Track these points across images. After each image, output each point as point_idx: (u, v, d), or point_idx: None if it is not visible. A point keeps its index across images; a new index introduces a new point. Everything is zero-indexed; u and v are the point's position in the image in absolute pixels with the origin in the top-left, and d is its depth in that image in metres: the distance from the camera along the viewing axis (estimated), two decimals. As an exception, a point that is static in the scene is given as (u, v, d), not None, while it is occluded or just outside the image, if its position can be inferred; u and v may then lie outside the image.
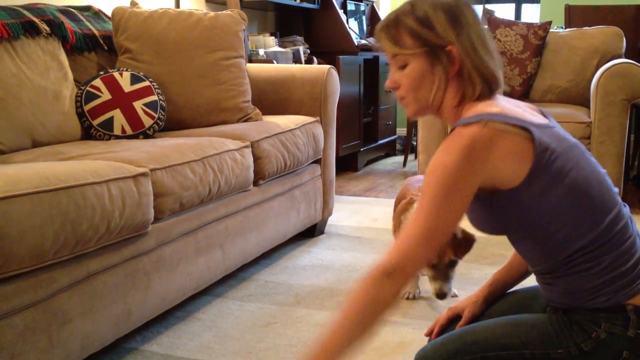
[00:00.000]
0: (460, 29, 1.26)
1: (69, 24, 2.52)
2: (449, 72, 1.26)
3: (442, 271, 2.00)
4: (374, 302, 1.15)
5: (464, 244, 2.03)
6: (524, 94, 3.95)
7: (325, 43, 4.74)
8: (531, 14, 6.10)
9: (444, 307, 2.17)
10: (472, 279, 2.44)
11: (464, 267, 2.57)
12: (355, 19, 5.37)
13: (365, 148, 4.93)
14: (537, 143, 1.19)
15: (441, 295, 1.99)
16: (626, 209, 1.27)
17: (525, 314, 1.35)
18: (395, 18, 1.27)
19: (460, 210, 1.18)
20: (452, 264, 2.03)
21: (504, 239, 1.32)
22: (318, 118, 2.94)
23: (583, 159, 1.24)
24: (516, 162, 1.19)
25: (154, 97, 2.49)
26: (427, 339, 1.55)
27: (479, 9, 5.73)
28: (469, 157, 1.16)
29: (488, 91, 1.27)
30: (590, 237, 1.20)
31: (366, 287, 1.15)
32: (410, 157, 5.15)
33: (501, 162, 1.18)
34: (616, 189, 1.28)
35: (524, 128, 1.18)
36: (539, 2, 5.83)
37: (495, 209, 1.23)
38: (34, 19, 2.34)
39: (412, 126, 4.96)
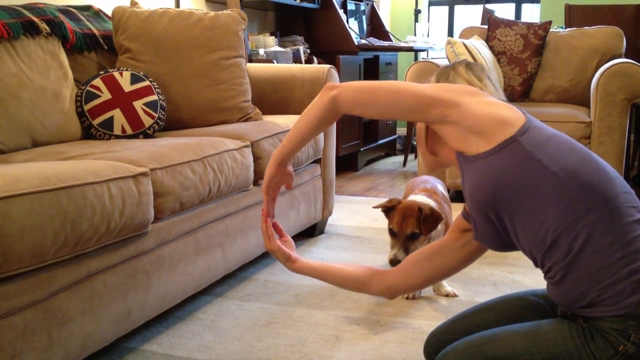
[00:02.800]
0: None
1: (69, 23, 2.52)
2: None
3: (402, 241, 2.15)
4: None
5: (430, 219, 2.13)
6: (524, 93, 3.95)
7: (326, 43, 4.74)
8: (531, 14, 6.10)
9: (444, 307, 2.17)
10: (471, 278, 2.44)
11: (464, 267, 2.57)
12: (356, 19, 5.37)
13: (365, 148, 4.93)
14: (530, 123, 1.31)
15: (394, 262, 2.09)
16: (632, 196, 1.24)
17: (544, 321, 1.30)
18: None
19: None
20: (413, 236, 2.15)
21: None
22: (318, 118, 2.94)
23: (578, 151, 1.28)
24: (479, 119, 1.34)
25: (154, 97, 2.49)
26: (425, 338, 1.55)
27: (479, 8, 5.74)
28: None
29: None
30: (590, 185, 1.19)
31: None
32: (410, 156, 5.15)
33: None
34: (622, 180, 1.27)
35: None
36: (539, 2, 5.83)
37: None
38: (34, 18, 2.34)
39: (412, 126, 4.96)
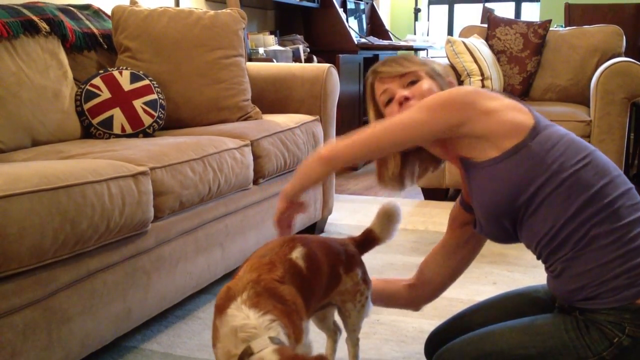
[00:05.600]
0: None
1: (68, 22, 2.52)
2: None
3: None
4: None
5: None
6: (523, 92, 3.95)
7: (325, 42, 4.74)
8: (531, 13, 6.10)
9: (444, 307, 2.17)
10: (471, 277, 2.44)
11: (463, 266, 2.57)
12: (355, 18, 5.37)
13: (365, 147, 4.92)
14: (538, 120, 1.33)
15: None
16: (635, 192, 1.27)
17: (540, 315, 1.32)
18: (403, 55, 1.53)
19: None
20: None
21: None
22: (318, 117, 2.94)
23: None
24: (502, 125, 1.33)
25: (154, 96, 2.49)
26: (425, 337, 1.55)
27: (479, 7, 5.73)
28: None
29: None
30: (596, 188, 1.21)
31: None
32: (410, 155, 5.14)
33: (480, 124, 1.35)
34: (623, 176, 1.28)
35: None
36: (539, 1, 5.83)
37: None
38: (34, 17, 2.34)
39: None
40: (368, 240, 1.66)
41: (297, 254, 1.36)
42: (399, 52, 5.78)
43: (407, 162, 1.51)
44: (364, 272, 1.56)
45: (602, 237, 1.19)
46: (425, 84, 1.44)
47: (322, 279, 1.42)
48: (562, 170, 1.22)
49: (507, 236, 1.35)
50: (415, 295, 1.64)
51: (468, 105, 1.28)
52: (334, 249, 1.52)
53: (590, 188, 1.21)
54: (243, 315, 1.15)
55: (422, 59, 1.52)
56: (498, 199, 1.28)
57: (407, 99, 1.42)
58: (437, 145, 1.43)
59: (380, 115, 1.51)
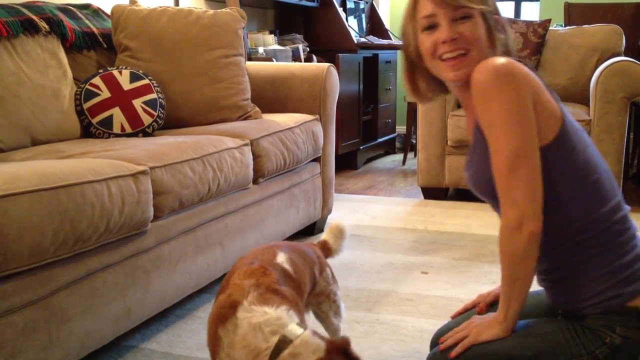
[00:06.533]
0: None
1: (68, 22, 2.51)
2: (494, 36, 1.28)
3: None
4: (514, 256, 1.21)
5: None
6: (523, 92, 3.95)
7: (325, 41, 4.73)
8: (531, 12, 6.10)
9: (444, 306, 2.17)
10: (471, 276, 2.44)
11: (463, 265, 2.57)
12: (355, 17, 5.36)
13: (364, 146, 4.93)
14: (562, 108, 1.24)
15: None
16: (625, 205, 1.28)
17: (534, 319, 1.33)
18: None
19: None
20: None
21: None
22: (317, 116, 2.94)
23: (592, 145, 1.28)
24: (551, 117, 1.21)
25: (154, 95, 2.49)
26: (429, 337, 1.56)
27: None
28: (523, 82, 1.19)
29: None
30: (595, 215, 1.21)
31: (503, 247, 1.22)
32: (410, 155, 5.15)
33: (541, 107, 1.20)
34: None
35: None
36: (539, 0, 5.83)
37: None
38: (33, 17, 2.34)
39: (411, 124, 4.96)
40: (325, 249, 1.71)
41: (281, 259, 1.38)
42: (399, 52, 5.78)
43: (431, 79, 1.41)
44: (332, 272, 1.60)
45: (594, 258, 1.23)
46: (479, 28, 1.26)
47: (307, 281, 1.44)
48: (562, 191, 1.23)
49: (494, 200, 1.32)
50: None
51: (528, 97, 1.20)
52: (308, 252, 1.54)
53: (591, 213, 1.23)
54: (259, 312, 1.15)
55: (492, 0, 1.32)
56: (489, 187, 1.26)
57: (454, 42, 1.25)
58: (469, 93, 1.29)
59: (412, 36, 1.34)
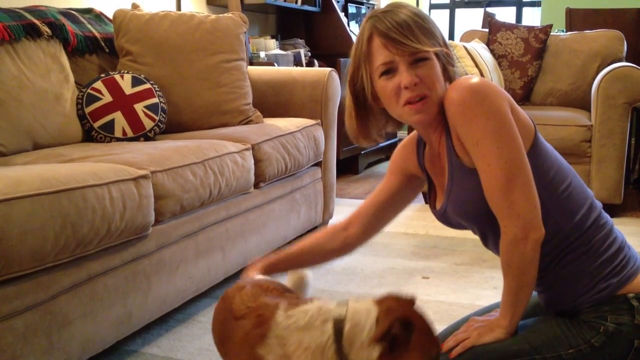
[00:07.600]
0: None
1: (70, 26, 2.52)
2: (448, 71, 1.32)
3: None
4: (520, 266, 1.23)
5: None
6: (524, 97, 3.95)
7: (326, 46, 4.74)
8: (532, 18, 6.10)
9: (445, 310, 2.17)
10: (472, 281, 2.43)
11: (464, 270, 2.57)
12: (356, 22, 5.37)
13: (365, 151, 4.93)
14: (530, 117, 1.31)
15: None
16: (596, 201, 1.33)
17: (530, 319, 1.36)
18: (422, 15, 1.31)
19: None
20: None
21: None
22: (319, 121, 2.94)
23: (553, 149, 1.35)
24: (525, 127, 1.25)
25: (155, 100, 2.49)
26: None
27: (480, 12, 5.74)
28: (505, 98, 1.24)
29: None
30: (576, 219, 1.26)
31: (509, 260, 1.25)
32: (411, 160, 5.14)
33: (516, 118, 1.24)
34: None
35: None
36: (540, 6, 5.84)
37: None
38: (35, 21, 2.35)
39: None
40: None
41: (258, 277, 1.36)
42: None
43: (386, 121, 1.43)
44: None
45: (582, 256, 1.27)
46: (436, 68, 1.26)
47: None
48: (545, 198, 1.25)
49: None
50: (350, 241, 1.52)
51: (508, 115, 1.23)
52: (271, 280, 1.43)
53: (573, 217, 1.27)
54: (300, 312, 1.11)
55: (440, 33, 1.33)
56: (476, 210, 1.30)
57: (416, 87, 1.24)
58: (432, 129, 1.33)
59: (361, 82, 1.31)
